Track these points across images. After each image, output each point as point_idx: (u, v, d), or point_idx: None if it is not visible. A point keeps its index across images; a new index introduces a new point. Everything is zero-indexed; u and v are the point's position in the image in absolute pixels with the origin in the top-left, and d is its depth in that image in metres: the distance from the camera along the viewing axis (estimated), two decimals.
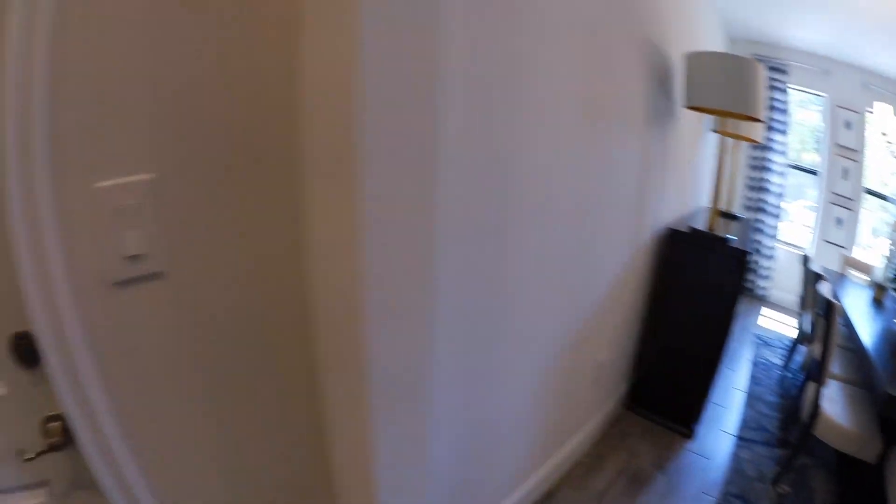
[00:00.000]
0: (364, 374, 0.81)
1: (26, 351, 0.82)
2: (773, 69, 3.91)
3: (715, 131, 2.62)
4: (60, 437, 0.86)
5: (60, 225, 0.72)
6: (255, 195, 0.87)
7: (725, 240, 2.13)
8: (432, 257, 0.84)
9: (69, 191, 0.72)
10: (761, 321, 3.94)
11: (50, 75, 0.65)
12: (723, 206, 2.45)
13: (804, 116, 4.24)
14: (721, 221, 2.43)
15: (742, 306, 2.40)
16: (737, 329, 3.55)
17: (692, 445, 2.26)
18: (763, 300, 4.34)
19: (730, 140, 2.44)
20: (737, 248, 2.10)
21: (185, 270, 0.84)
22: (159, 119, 0.76)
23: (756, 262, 4.32)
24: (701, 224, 2.29)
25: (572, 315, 1.72)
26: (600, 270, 1.84)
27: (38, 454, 0.85)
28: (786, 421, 2.58)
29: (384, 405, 0.85)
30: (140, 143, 0.75)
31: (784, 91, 3.93)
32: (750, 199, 4.27)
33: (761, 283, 4.35)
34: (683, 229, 2.22)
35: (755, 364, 3.18)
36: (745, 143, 3.77)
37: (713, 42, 3.20)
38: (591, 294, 1.81)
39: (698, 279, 2.18)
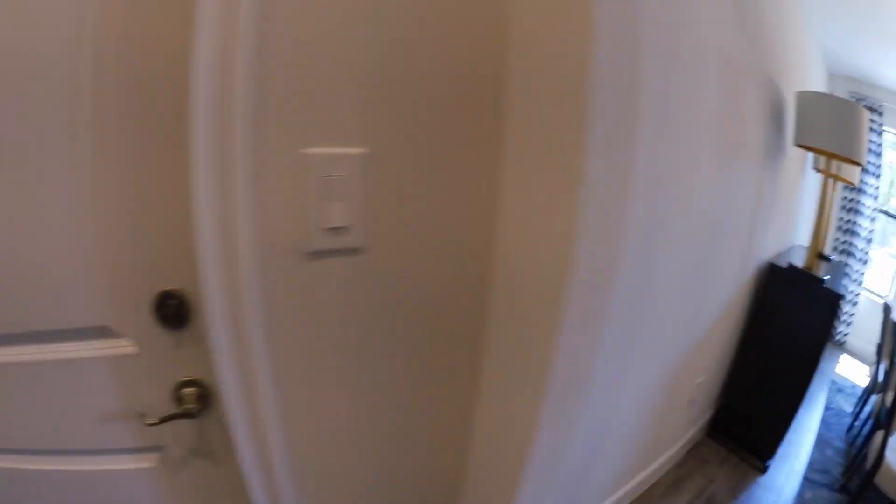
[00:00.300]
0: (548, 362, 0.83)
1: (173, 312, 0.77)
2: (868, 109, 3.80)
3: (816, 170, 2.60)
4: (195, 405, 0.81)
5: (256, 186, 0.67)
6: (456, 178, 0.83)
7: (822, 281, 2.12)
8: (619, 260, 0.86)
9: (271, 152, 0.67)
10: (838, 367, 3.84)
11: (257, 32, 0.61)
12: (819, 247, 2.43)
13: (891, 159, 4.09)
14: (817, 262, 2.42)
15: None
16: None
17: (763, 480, 2.26)
18: (841, 346, 4.21)
19: (829, 180, 2.42)
20: (831, 291, 2.09)
21: (383, 248, 0.81)
22: (375, 94, 0.71)
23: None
24: (798, 262, 2.29)
25: (684, 335, 1.77)
26: (711, 296, 1.88)
27: (164, 419, 0.78)
28: (849, 469, 2.54)
29: (554, 395, 0.88)
30: (354, 115, 0.71)
31: (879, 133, 3.81)
32: (838, 241, 4.15)
33: (842, 328, 4.21)
34: (782, 265, 2.23)
35: (827, 408, 3.12)
36: (840, 184, 3.69)
37: (816, 78, 3.15)
38: (701, 317, 1.85)
39: (790, 317, 2.19)
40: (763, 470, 2.31)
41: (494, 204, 0.88)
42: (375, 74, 0.71)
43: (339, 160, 0.72)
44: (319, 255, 0.76)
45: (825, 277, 2.15)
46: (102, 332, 0.77)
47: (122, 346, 0.78)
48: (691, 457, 2.33)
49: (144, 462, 0.87)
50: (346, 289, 0.81)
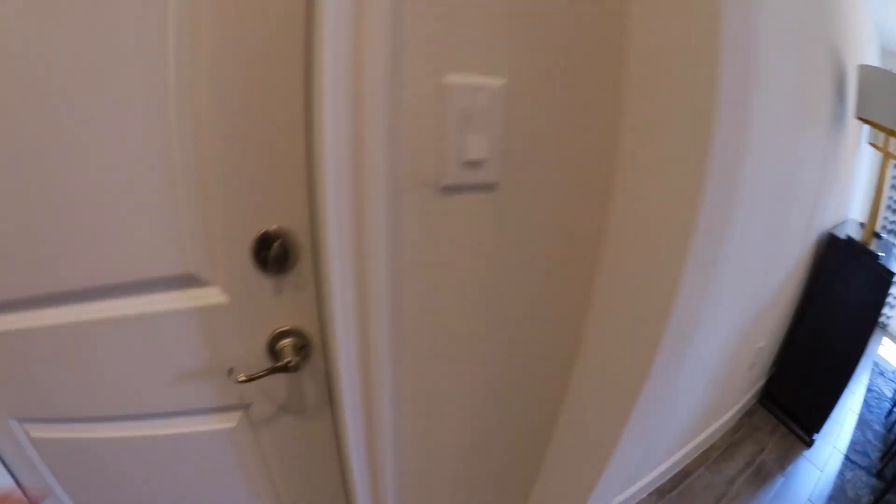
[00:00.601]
0: (664, 322, 0.80)
1: (275, 255, 0.67)
2: None
3: (871, 145, 2.56)
4: (294, 357, 0.72)
5: (391, 115, 0.60)
6: (585, 115, 0.76)
7: (877, 256, 2.10)
8: (733, 207, 0.82)
9: (408, 79, 0.60)
10: (880, 349, 3.79)
11: None
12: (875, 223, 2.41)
13: None
14: (871, 238, 2.40)
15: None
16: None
17: (808, 453, 2.28)
18: (884, 328, 4.14)
19: (886, 157, 2.38)
20: (885, 268, 2.08)
21: (514, 184, 0.75)
22: (515, 22, 0.65)
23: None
24: (854, 236, 2.28)
25: (754, 296, 1.76)
26: (779, 259, 1.87)
27: (260, 374, 0.69)
28: (886, 454, 2.54)
29: (668, 342, 0.84)
30: (495, 44, 0.65)
31: None
32: (887, 220, 4.06)
33: (885, 310, 4.14)
34: (841, 237, 2.22)
35: (869, 390, 3.10)
36: (892, 162, 3.61)
37: (871, 52, 3.08)
38: (769, 280, 1.85)
39: (844, 290, 2.18)
40: (809, 444, 2.32)
41: (620, 142, 0.80)
42: (517, 5, 0.64)
43: (480, 90, 0.65)
44: (453, 189, 0.69)
45: (880, 253, 2.13)
46: (189, 281, 0.68)
47: (212, 296, 0.69)
48: (745, 423, 2.36)
49: (224, 422, 0.79)
50: (477, 226, 0.75)
